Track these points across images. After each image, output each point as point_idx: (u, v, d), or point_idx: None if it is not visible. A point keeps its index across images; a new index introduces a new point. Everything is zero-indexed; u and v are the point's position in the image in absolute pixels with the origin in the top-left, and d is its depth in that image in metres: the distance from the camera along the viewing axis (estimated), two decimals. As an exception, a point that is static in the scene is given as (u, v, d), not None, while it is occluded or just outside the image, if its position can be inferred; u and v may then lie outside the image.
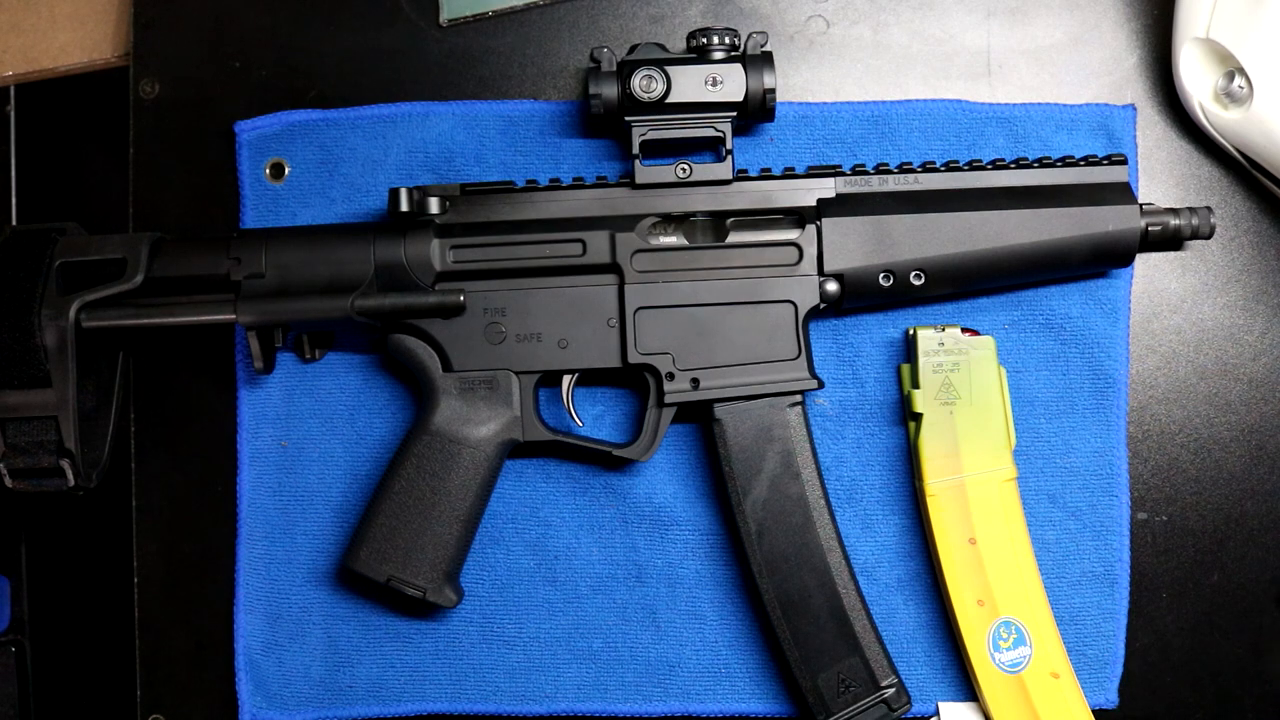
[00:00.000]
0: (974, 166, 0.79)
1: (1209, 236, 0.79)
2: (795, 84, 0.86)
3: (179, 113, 0.88)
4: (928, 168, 0.79)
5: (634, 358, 0.78)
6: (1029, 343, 0.82)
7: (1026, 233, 0.77)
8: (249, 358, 0.81)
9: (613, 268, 0.79)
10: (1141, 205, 0.78)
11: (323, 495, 0.85)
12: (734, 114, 0.78)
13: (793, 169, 0.80)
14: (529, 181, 0.80)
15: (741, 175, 0.79)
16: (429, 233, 0.79)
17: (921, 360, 0.79)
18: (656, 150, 0.81)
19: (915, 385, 0.79)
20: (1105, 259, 0.79)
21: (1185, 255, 0.84)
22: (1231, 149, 0.81)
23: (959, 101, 0.84)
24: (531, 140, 0.85)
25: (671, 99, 0.77)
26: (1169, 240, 0.79)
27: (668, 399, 0.78)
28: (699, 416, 0.81)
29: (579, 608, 0.84)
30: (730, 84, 0.77)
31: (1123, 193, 0.78)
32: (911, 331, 0.80)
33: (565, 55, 0.87)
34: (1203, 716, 0.83)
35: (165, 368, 0.87)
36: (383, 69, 0.87)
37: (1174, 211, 0.79)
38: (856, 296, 0.79)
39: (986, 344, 0.79)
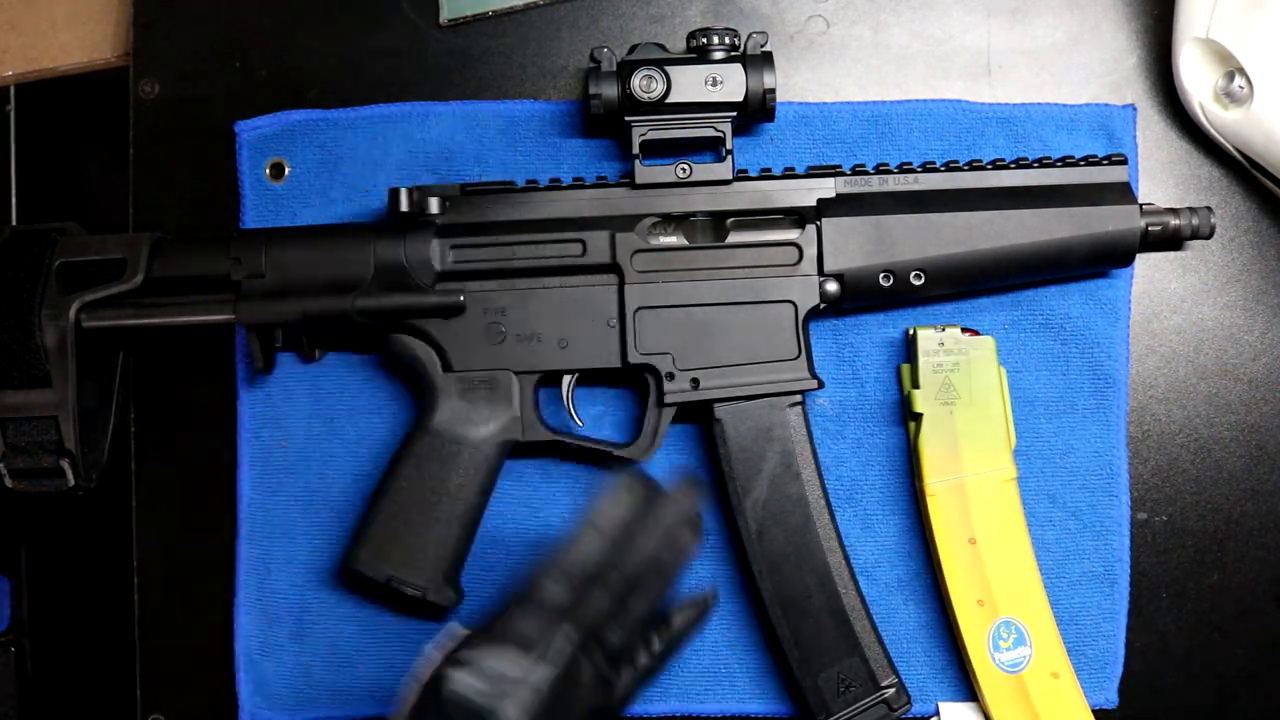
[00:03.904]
0: (974, 166, 0.79)
1: (1209, 236, 0.79)
2: (795, 84, 0.86)
3: (179, 113, 0.87)
4: (928, 168, 0.79)
5: (634, 358, 0.78)
6: (1029, 343, 0.82)
7: (1026, 233, 0.77)
8: (249, 358, 0.81)
9: (613, 268, 0.79)
10: (1141, 205, 0.78)
11: (323, 495, 0.85)
12: (734, 114, 0.78)
13: (793, 169, 0.80)
14: (529, 181, 0.80)
15: (741, 175, 0.79)
16: (429, 233, 0.79)
17: (921, 360, 0.79)
18: (656, 150, 0.81)
19: (915, 385, 0.79)
20: (1105, 259, 0.79)
21: (1185, 255, 0.84)
22: (1231, 149, 0.81)
23: (959, 101, 0.84)
24: (531, 140, 0.85)
25: (671, 99, 0.77)
26: (1169, 240, 0.79)
27: (668, 399, 0.78)
28: (699, 416, 0.81)
29: (579, 608, 0.84)
30: (730, 84, 0.77)
31: (1123, 193, 0.78)
32: (911, 331, 0.80)
33: (565, 55, 0.87)
34: (1203, 716, 0.83)
35: (165, 368, 0.87)
36: (383, 69, 0.87)
37: (1174, 211, 0.79)
38: (856, 296, 0.79)
39: (986, 344, 0.79)
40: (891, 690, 0.77)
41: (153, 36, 0.88)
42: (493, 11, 0.86)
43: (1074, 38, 0.85)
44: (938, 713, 0.81)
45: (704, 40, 0.77)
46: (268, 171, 0.86)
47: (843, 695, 0.77)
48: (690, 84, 0.77)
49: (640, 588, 0.69)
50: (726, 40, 0.77)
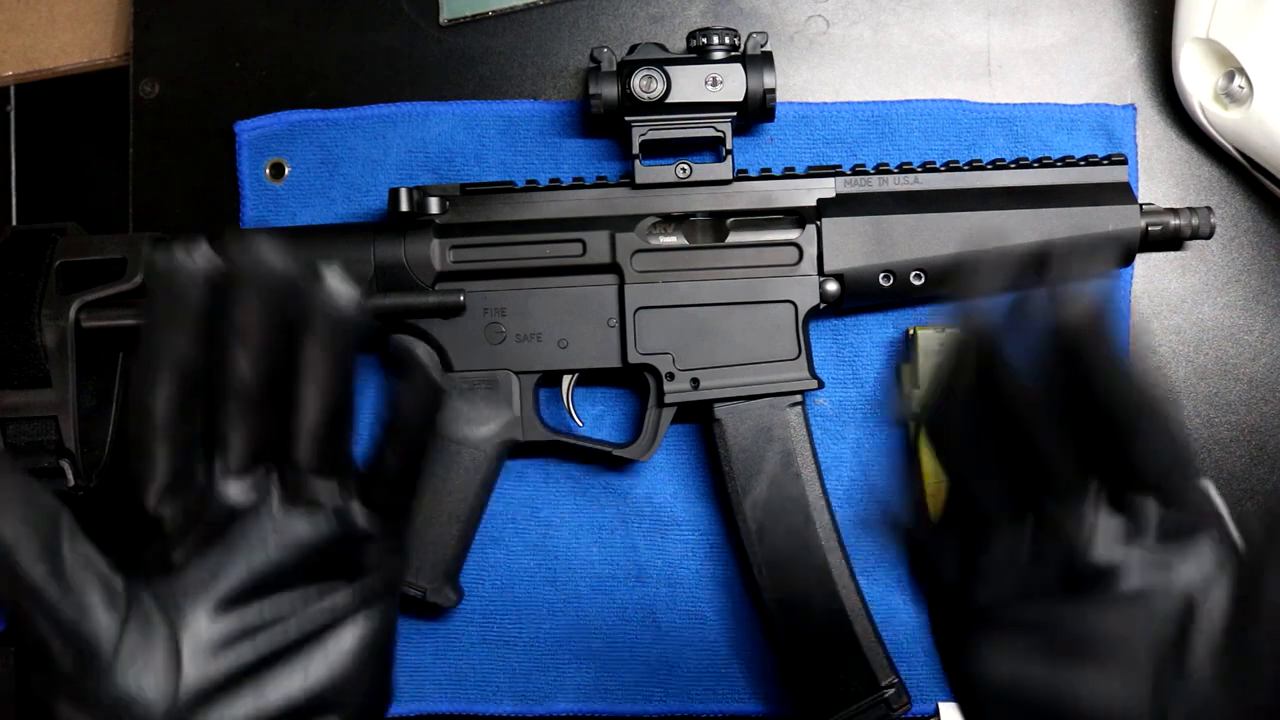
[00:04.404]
0: (974, 166, 0.79)
1: (1209, 236, 0.79)
2: (795, 84, 0.86)
3: (179, 113, 0.87)
4: (928, 168, 0.79)
5: (634, 358, 0.78)
6: (1029, 343, 0.82)
7: (1026, 233, 0.77)
8: (249, 358, 0.81)
9: (613, 268, 0.79)
10: (1141, 205, 0.78)
11: (323, 495, 0.85)
12: (734, 114, 0.78)
13: (793, 169, 0.80)
14: (529, 181, 0.80)
15: (741, 175, 0.79)
16: (429, 233, 0.79)
17: (921, 360, 0.79)
18: (656, 150, 0.81)
19: (915, 385, 0.79)
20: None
21: (1185, 255, 0.84)
22: (1231, 149, 0.81)
23: (959, 101, 0.84)
24: (531, 140, 0.85)
25: (671, 99, 0.77)
26: (1169, 240, 0.79)
27: (668, 399, 0.78)
28: (699, 416, 0.81)
29: (579, 608, 0.84)
30: (730, 84, 0.77)
31: (1123, 193, 0.78)
32: (911, 331, 0.80)
33: (565, 55, 0.87)
34: (1203, 716, 0.83)
35: (165, 368, 0.87)
36: (383, 69, 0.87)
37: (1174, 211, 0.79)
38: (856, 296, 0.79)
39: (986, 344, 0.78)
40: (891, 690, 0.77)
41: (153, 36, 0.88)
42: (493, 11, 0.86)
43: (1074, 38, 0.85)
44: (937, 713, 0.81)
45: (704, 40, 0.77)
46: (268, 171, 0.86)
47: (843, 695, 0.77)
48: (690, 84, 0.77)
49: (305, 376, 0.49)
50: (726, 40, 0.77)
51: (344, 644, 0.52)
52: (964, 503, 0.52)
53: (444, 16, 0.87)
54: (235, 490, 0.51)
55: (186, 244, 0.48)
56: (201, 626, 0.50)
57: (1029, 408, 0.48)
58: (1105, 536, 0.48)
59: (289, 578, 0.51)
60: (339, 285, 0.50)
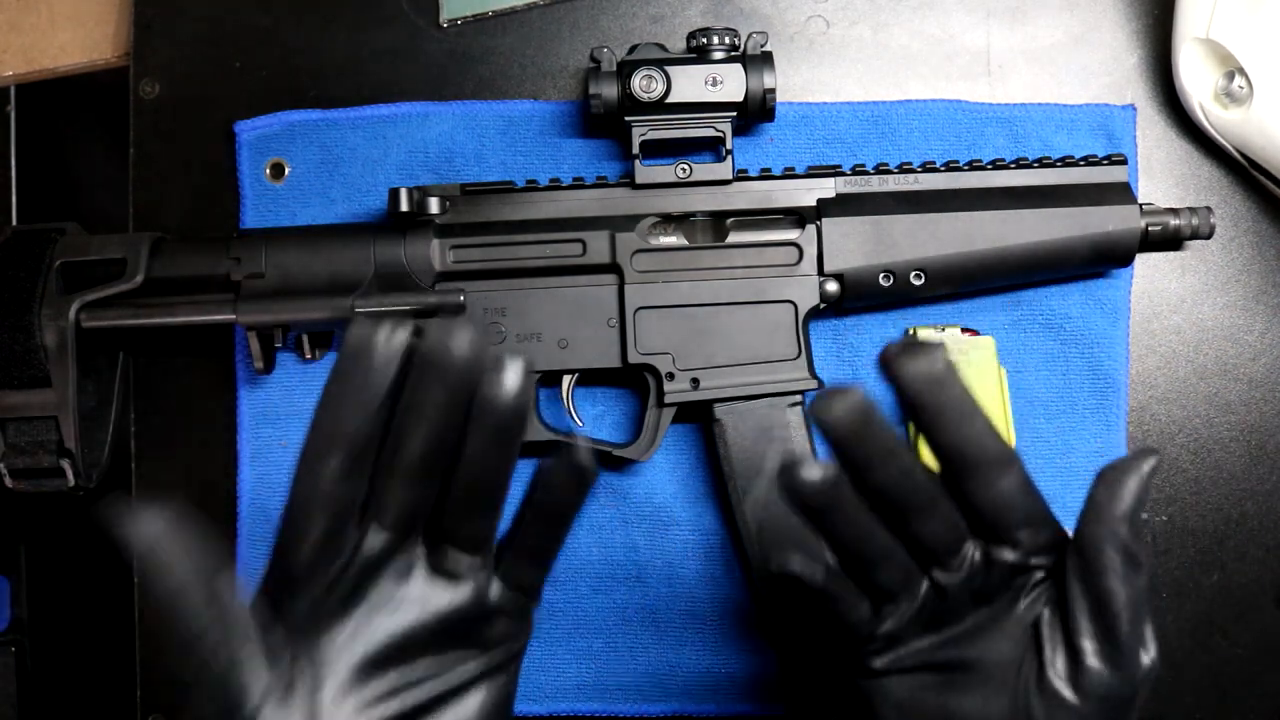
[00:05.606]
0: (974, 166, 0.79)
1: (1209, 236, 0.79)
2: (795, 84, 0.86)
3: (179, 113, 0.88)
4: (928, 168, 0.79)
5: (634, 358, 0.78)
6: (1029, 343, 0.82)
7: (1026, 233, 0.77)
8: (249, 358, 0.81)
9: (613, 268, 0.79)
10: (1141, 205, 0.78)
11: (323, 495, 0.85)
12: (734, 114, 0.78)
13: (793, 169, 0.80)
14: (529, 181, 0.80)
15: (741, 175, 0.79)
16: (429, 233, 0.79)
17: (921, 360, 0.78)
18: (656, 150, 0.81)
19: (915, 385, 0.79)
20: (1105, 259, 0.79)
21: (1185, 255, 0.84)
22: (1231, 149, 0.81)
23: (959, 101, 0.84)
24: (531, 140, 0.85)
25: (671, 99, 0.77)
26: (1169, 240, 0.79)
27: (668, 399, 0.78)
28: (699, 416, 0.81)
29: (579, 608, 0.84)
30: (730, 84, 0.77)
31: (1123, 193, 0.78)
32: (911, 331, 0.80)
33: (565, 55, 0.87)
34: (1203, 716, 0.83)
35: (165, 368, 0.87)
36: (383, 69, 0.87)
37: (1174, 211, 0.79)
38: (857, 296, 0.79)
39: (986, 344, 0.79)
40: (891, 690, 0.77)
41: (153, 36, 0.88)
42: (493, 11, 0.86)
43: (1074, 38, 0.85)
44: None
45: (704, 40, 0.77)
46: (268, 171, 0.86)
47: (843, 695, 0.77)
48: (690, 84, 0.77)
49: (466, 458, 0.52)
50: (726, 40, 0.77)
51: (468, 709, 0.56)
52: (864, 572, 0.56)
53: (444, 16, 0.87)
54: (384, 556, 0.54)
55: (391, 326, 0.53)
56: (342, 685, 0.53)
57: (912, 487, 0.54)
58: (976, 587, 0.56)
59: (425, 644, 0.55)
60: (512, 383, 0.51)
